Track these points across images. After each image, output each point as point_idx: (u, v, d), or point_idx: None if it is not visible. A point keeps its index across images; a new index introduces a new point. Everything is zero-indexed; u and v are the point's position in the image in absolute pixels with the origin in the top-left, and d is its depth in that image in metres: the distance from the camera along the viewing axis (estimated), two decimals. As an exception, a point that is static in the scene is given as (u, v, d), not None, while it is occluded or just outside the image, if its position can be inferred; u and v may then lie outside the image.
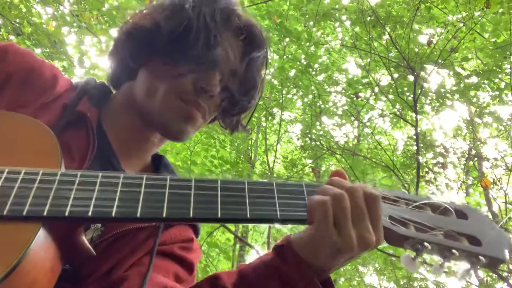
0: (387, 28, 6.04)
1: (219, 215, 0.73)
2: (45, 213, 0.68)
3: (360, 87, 7.21)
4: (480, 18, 5.90)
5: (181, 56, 0.96)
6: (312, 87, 7.38)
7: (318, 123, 7.54)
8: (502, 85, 6.37)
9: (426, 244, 0.75)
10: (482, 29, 6.29)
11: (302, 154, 8.23)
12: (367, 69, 6.65)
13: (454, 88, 6.50)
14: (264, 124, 8.35)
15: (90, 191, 0.72)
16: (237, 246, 8.79)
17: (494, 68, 5.90)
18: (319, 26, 7.42)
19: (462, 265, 0.77)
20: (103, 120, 1.00)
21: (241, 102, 1.06)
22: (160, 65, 0.99)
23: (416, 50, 5.96)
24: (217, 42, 0.96)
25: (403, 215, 0.78)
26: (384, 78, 7.71)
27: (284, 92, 7.49)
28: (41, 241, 0.67)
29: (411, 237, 0.75)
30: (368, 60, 6.65)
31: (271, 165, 8.02)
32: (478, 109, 7.15)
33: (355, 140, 8.33)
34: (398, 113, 6.57)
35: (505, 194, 5.71)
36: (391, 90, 6.52)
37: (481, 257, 0.75)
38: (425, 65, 5.74)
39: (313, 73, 7.45)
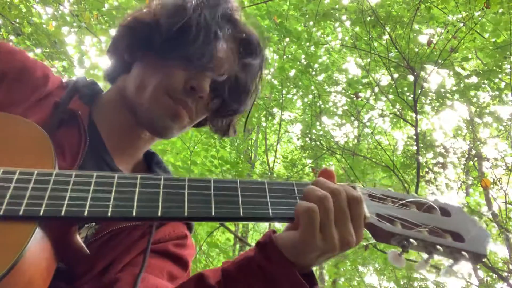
0: (387, 28, 6.04)
1: (213, 214, 0.74)
2: (41, 213, 0.68)
3: (360, 87, 7.21)
4: (480, 18, 5.91)
5: (176, 54, 0.96)
6: (312, 87, 7.38)
7: (318, 123, 7.55)
8: (502, 85, 6.37)
9: (411, 240, 0.77)
10: (482, 29, 6.29)
11: (302, 154, 8.23)
12: (367, 69, 6.65)
13: (454, 88, 6.50)
14: (264, 124, 8.36)
15: (85, 191, 0.72)
16: (237, 246, 8.78)
17: (494, 68, 5.90)
18: (319, 26, 7.43)
19: (447, 263, 0.80)
20: (94, 117, 1.01)
21: (231, 106, 1.06)
22: (154, 61, 0.99)
23: (416, 50, 5.96)
24: (215, 44, 0.96)
25: (389, 213, 0.81)
26: (384, 78, 7.72)
27: (284, 92, 7.50)
28: (37, 241, 0.67)
29: (397, 234, 0.78)
30: (368, 60, 6.65)
31: (271, 165, 8.03)
32: (478, 109, 7.15)
33: (355, 140, 8.34)
34: (398, 113, 6.57)
35: (505, 194, 5.72)
36: (391, 90, 6.52)
37: (464, 253, 0.78)
38: (425, 65, 5.74)
39: (313, 73, 7.45)
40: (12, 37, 5.62)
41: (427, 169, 6.78)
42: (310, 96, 7.65)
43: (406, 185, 5.70)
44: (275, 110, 7.87)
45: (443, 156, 6.85)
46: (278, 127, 7.98)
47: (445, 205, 0.87)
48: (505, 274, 5.73)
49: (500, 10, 5.80)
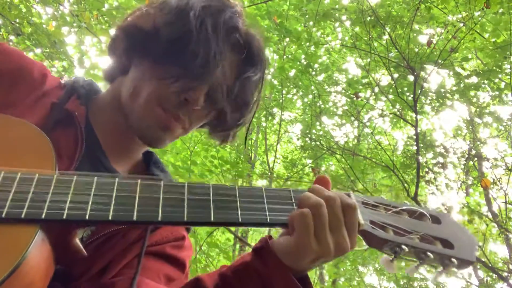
0: (387, 28, 6.04)
1: (212, 219, 0.76)
2: (43, 216, 0.68)
3: (360, 87, 7.22)
4: (480, 18, 5.90)
5: (173, 64, 0.94)
6: (312, 87, 7.39)
7: (318, 123, 7.55)
8: (502, 85, 6.38)
9: (403, 247, 0.80)
10: (482, 29, 6.29)
11: (302, 154, 8.24)
12: (367, 69, 6.65)
13: (454, 88, 6.51)
14: (264, 124, 8.36)
15: (87, 194, 0.73)
16: (237, 246, 8.78)
17: (494, 68, 5.90)
18: (319, 26, 7.43)
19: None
20: (91, 118, 1.00)
21: (230, 119, 1.04)
22: (150, 68, 0.97)
23: (416, 50, 5.95)
24: (213, 58, 0.93)
25: (382, 220, 0.83)
26: (384, 78, 7.72)
27: (284, 92, 7.50)
28: (38, 243, 0.67)
29: (390, 241, 0.81)
30: (368, 60, 6.65)
31: (271, 165, 8.03)
32: (478, 109, 7.16)
33: (355, 140, 8.34)
34: (398, 113, 6.57)
35: (505, 194, 5.71)
36: (391, 90, 6.52)
37: (453, 259, 0.81)
38: (425, 65, 5.74)
39: (313, 73, 7.46)
40: (12, 37, 5.62)
41: (427, 169, 6.79)
42: (310, 96, 7.66)
43: (406, 185, 5.70)
44: (275, 110, 7.88)
45: (443, 156, 6.85)
46: (278, 127, 7.98)
47: (436, 213, 0.90)
48: (505, 274, 5.73)
49: (500, 10, 5.80)
